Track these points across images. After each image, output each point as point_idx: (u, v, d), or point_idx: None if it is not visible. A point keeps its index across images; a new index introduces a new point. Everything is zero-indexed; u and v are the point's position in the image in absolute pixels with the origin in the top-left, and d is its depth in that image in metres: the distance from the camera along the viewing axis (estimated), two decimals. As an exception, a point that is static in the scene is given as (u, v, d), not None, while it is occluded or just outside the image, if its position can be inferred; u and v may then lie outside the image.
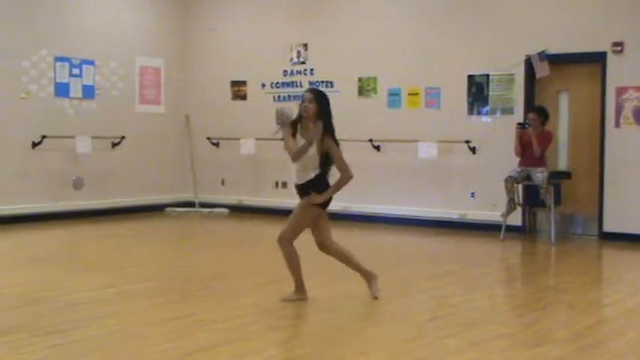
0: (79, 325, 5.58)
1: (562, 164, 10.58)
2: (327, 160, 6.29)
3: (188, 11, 13.38)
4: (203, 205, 13.04)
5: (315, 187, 6.26)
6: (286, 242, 6.34)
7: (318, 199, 6.27)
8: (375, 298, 6.44)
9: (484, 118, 10.80)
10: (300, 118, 6.21)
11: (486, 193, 10.66)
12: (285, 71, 12.40)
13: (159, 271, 7.91)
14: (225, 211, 12.78)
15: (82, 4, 11.99)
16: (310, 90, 6.38)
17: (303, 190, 6.31)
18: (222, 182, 13.12)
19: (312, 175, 6.25)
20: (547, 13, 10.33)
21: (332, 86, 11.95)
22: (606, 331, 5.78)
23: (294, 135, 6.20)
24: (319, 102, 6.16)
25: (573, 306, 6.49)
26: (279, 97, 12.41)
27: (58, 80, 11.61)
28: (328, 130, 6.18)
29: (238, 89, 12.93)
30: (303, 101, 6.19)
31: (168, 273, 7.87)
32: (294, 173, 6.33)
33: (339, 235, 10.67)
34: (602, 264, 9.22)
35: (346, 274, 6.88)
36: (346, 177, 6.41)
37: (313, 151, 6.17)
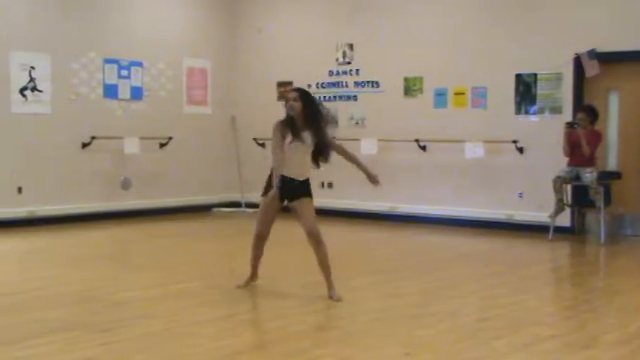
0: (128, 323, 5.66)
1: (612, 164, 10.42)
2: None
3: (234, 12, 13.47)
4: (249, 205, 13.10)
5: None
6: (320, 235, 6.54)
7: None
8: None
9: (532, 118, 10.68)
10: (290, 117, 6.50)
11: (534, 193, 10.54)
12: (331, 71, 12.40)
13: (206, 271, 7.97)
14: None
15: (130, 6, 12.15)
16: (294, 89, 6.77)
17: (302, 185, 6.58)
18: (268, 182, 13.15)
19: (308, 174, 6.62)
20: (596, 10, 10.18)
21: (377, 86, 11.93)
22: (658, 334, 5.68)
23: (295, 133, 6.47)
24: (303, 100, 6.48)
25: (623, 308, 6.39)
26: (324, 97, 12.40)
27: (106, 82, 11.78)
28: (318, 127, 6.54)
29: (284, 90, 12.96)
30: (287, 100, 6.51)
31: (215, 272, 7.92)
32: (290, 168, 6.53)
33: (386, 236, 10.71)
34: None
35: (394, 276, 6.86)
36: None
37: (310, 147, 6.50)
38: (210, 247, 9.83)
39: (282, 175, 6.50)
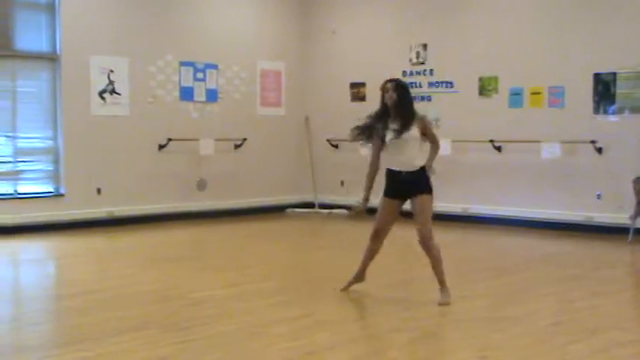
0: (203, 322, 5.75)
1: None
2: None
3: (307, 14, 13.54)
4: (323, 206, 13.16)
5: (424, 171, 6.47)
6: (433, 239, 6.40)
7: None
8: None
9: (611, 118, 10.43)
10: (385, 107, 6.50)
11: (613, 194, 10.30)
12: (405, 72, 12.35)
13: (280, 271, 8.04)
14: (344, 212, 12.85)
15: (205, 10, 12.32)
16: (390, 80, 6.61)
17: (415, 177, 6.42)
18: (342, 183, 13.19)
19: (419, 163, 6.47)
20: (678, 7, 9.89)
21: (452, 86, 11.83)
22: None
23: (385, 125, 6.48)
24: (399, 90, 6.44)
25: None
26: (398, 98, 12.36)
27: (182, 84, 11.99)
28: (411, 115, 6.44)
29: (357, 91, 12.98)
30: (387, 91, 6.47)
31: (289, 273, 7.99)
32: (394, 162, 6.46)
33: (459, 238, 10.61)
34: None
35: (468, 278, 6.79)
36: (438, 146, 6.74)
37: (416, 137, 6.41)
38: (284, 248, 9.90)
39: (388, 170, 6.50)
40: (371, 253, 6.72)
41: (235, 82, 12.64)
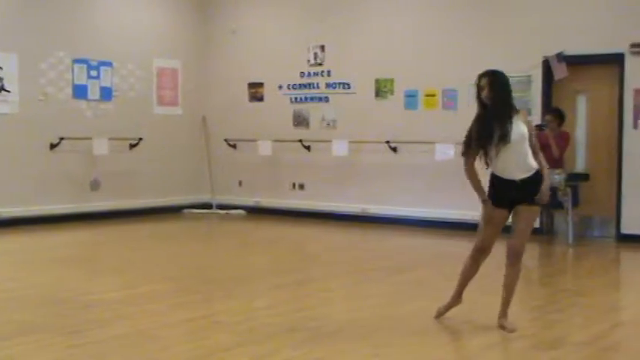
0: (97, 325, 5.63)
1: (580, 166, 10.53)
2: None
3: (205, 13, 13.42)
4: (220, 206, 13.07)
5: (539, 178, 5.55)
6: (518, 257, 5.68)
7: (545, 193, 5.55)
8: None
9: (501, 120, 10.74)
10: (484, 106, 5.56)
11: (503, 194, 10.61)
12: (302, 73, 12.41)
13: (177, 273, 7.94)
14: (242, 212, 12.81)
15: (99, 5, 12.07)
16: (484, 74, 5.65)
17: (530, 184, 5.50)
18: (240, 184, 13.15)
19: (535, 164, 5.56)
20: (565, 14, 10.28)
21: (349, 88, 11.95)
22: (624, 334, 5.75)
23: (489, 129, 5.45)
24: (494, 85, 5.54)
25: (591, 309, 6.46)
26: (296, 98, 12.42)
27: (76, 82, 11.69)
28: (502, 119, 5.48)
29: (256, 91, 12.96)
30: (482, 89, 5.55)
31: (186, 274, 7.90)
32: (506, 167, 5.51)
33: (358, 238, 10.74)
34: (620, 266, 9.17)
35: (365, 277, 6.83)
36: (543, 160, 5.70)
37: (524, 134, 5.51)
38: (181, 249, 9.78)
39: (499, 178, 5.57)
40: (471, 273, 5.90)
41: (130, 80, 12.41)
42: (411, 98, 11.46)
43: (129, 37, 12.37)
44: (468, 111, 10.78)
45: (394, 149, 11.51)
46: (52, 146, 11.37)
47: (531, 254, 9.56)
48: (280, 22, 12.77)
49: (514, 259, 5.66)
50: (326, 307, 6.38)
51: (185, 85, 13.20)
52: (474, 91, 5.74)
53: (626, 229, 9.95)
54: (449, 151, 10.90)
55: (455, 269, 8.14)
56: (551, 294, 7.23)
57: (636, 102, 9.84)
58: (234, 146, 13.14)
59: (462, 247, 9.83)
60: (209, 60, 13.43)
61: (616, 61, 9.97)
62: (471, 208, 10.88)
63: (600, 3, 10.13)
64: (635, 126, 9.86)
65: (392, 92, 11.61)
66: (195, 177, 13.33)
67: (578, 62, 10.17)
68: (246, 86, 13.02)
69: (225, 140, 13.15)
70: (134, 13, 12.52)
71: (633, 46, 9.81)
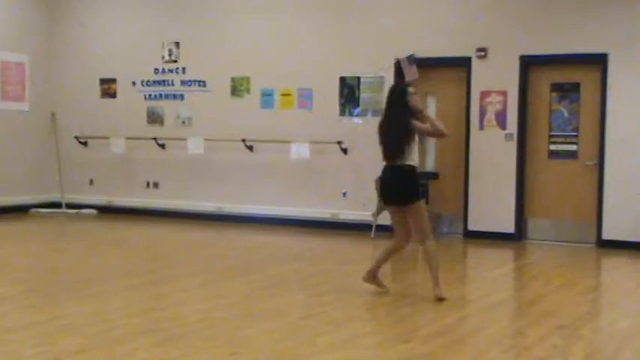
0: None
1: (430, 165, 10.89)
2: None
3: (54, 5, 12.94)
4: (70, 205, 12.65)
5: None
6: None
7: None
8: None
9: (355, 120, 10.97)
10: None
11: (358, 193, 10.84)
12: (157, 69, 12.20)
13: (24, 275, 7.63)
14: (93, 212, 12.45)
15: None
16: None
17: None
18: (91, 182, 12.77)
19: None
20: (416, 18, 10.60)
21: (204, 85, 11.85)
22: (470, 327, 6.01)
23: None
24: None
25: (439, 303, 6.68)
26: (150, 95, 12.19)
27: None
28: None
29: (108, 87, 12.61)
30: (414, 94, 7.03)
31: (33, 276, 7.60)
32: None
33: (213, 237, 10.67)
34: (466, 261, 9.56)
35: (220, 276, 6.77)
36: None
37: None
38: (27, 250, 9.39)
39: None
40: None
41: (-27, 73, 11.81)
42: (267, 97, 11.49)
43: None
44: (323, 110, 11.05)
45: (250, 148, 11.51)
46: None
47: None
48: (133, 16, 12.49)
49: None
50: (181, 307, 6.30)
51: (33, 80, 12.67)
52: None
53: (472, 226, 10.38)
54: (304, 150, 11.02)
55: (309, 266, 8.26)
56: (403, 288, 7.44)
57: (482, 104, 10.29)
58: (85, 144, 12.75)
59: (316, 244, 10.01)
60: (58, 54, 12.94)
61: (463, 64, 10.38)
62: (326, 207, 11.10)
63: (450, 9, 10.51)
64: (481, 127, 10.30)
65: (248, 91, 11.61)
66: (43, 175, 12.82)
67: (428, 65, 10.51)
68: (98, 82, 12.66)
69: (76, 137, 12.74)
70: (-23, 3, 11.92)
71: (479, 50, 10.26)
